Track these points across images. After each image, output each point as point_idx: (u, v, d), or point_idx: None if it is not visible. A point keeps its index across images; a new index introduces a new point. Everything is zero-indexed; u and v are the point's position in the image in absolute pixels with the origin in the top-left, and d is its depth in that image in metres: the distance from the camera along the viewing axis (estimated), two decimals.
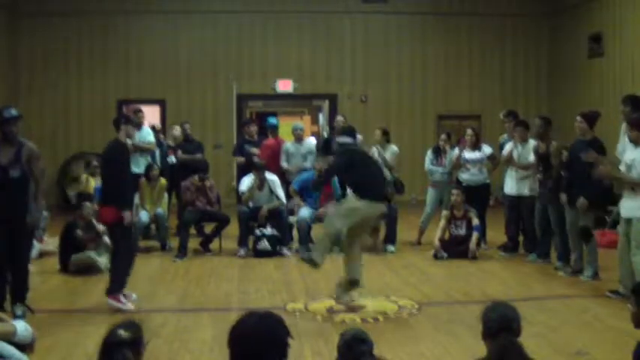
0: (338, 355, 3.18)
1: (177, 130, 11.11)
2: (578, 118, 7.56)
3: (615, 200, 7.80)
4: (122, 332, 2.86)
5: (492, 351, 2.92)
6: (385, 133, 10.20)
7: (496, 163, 9.61)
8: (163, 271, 8.15)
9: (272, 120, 11.21)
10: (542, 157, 8.21)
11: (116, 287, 6.38)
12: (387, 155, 10.00)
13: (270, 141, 10.55)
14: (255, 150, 10.27)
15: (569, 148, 7.75)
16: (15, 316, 5.45)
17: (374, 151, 10.00)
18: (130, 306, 6.37)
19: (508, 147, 8.93)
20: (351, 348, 3.13)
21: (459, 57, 15.25)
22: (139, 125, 10.47)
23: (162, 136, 11.37)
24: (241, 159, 10.42)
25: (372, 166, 6.67)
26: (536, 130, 8.38)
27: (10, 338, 4.33)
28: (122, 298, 6.39)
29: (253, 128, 10.78)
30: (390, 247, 9.23)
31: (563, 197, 7.59)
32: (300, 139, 10.29)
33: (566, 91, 14.49)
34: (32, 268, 7.37)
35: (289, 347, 2.61)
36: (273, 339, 2.59)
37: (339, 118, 10.65)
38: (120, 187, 6.46)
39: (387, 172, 9.65)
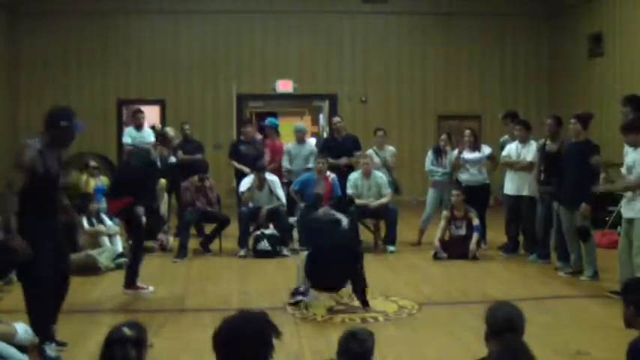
0: (338, 354, 3.18)
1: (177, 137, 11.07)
2: (572, 119, 7.61)
3: (616, 200, 7.81)
4: (126, 330, 2.87)
5: (497, 351, 2.91)
6: (385, 134, 10.30)
7: (495, 164, 9.62)
8: (163, 271, 8.15)
9: (272, 120, 11.16)
10: (550, 157, 8.11)
11: (133, 279, 6.92)
12: (387, 156, 10.05)
13: (271, 142, 10.58)
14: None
15: (563, 149, 7.79)
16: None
17: (370, 153, 10.02)
18: (151, 289, 6.94)
19: (511, 148, 8.92)
20: (352, 348, 3.13)
21: (459, 57, 15.24)
22: (139, 126, 10.50)
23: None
24: (239, 165, 10.22)
25: None
26: (547, 130, 8.34)
27: (10, 340, 4.33)
28: (141, 284, 6.95)
29: (249, 129, 10.74)
30: (391, 248, 9.23)
31: (555, 205, 7.71)
32: (302, 141, 10.27)
33: (566, 91, 14.49)
34: None
35: (275, 341, 2.64)
36: (257, 336, 2.60)
37: (337, 118, 10.65)
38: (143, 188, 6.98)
39: (385, 173, 9.74)
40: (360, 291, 6.26)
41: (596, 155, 7.32)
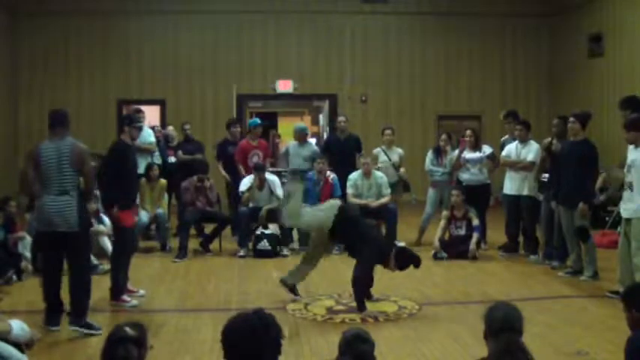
0: (339, 354, 3.18)
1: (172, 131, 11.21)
2: (571, 118, 7.59)
3: (615, 200, 7.81)
4: (127, 329, 2.88)
5: (496, 350, 2.91)
6: (394, 133, 10.33)
7: (496, 164, 9.61)
8: (163, 271, 8.15)
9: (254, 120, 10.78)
10: (556, 157, 7.99)
11: (120, 290, 6.51)
12: (395, 157, 10.05)
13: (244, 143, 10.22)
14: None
15: (560, 148, 7.79)
16: None
17: (379, 152, 10.02)
18: (135, 302, 6.52)
19: (509, 148, 8.92)
20: (353, 347, 3.13)
21: (459, 57, 15.26)
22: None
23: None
24: (224, 172, 10.18)
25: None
26: (554, 130, 8.28)
27: (5, 337, 4.31)
28: (126, 297, 6.53)
29: (236, 129, 10.64)
30: None
31: (553, 204, 7.73)
32: (303, 141, 10.23)
33: (566, 91, 14.50)
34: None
35: (282, 344, 2.63)
36: (267, 337, 2.60)
37: (341, 118, 10.62)
38: (122, 188, 6.45)
39: (393, 173, 9.76)
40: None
41: (581, 204, 7.27)
